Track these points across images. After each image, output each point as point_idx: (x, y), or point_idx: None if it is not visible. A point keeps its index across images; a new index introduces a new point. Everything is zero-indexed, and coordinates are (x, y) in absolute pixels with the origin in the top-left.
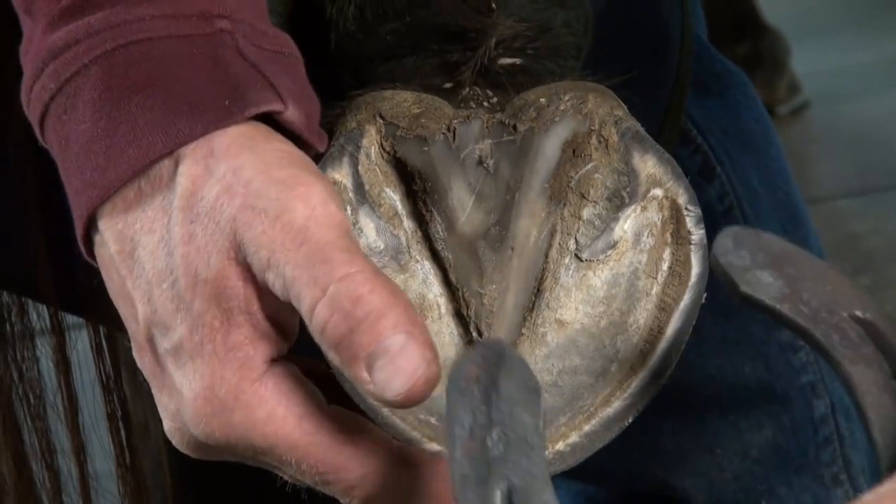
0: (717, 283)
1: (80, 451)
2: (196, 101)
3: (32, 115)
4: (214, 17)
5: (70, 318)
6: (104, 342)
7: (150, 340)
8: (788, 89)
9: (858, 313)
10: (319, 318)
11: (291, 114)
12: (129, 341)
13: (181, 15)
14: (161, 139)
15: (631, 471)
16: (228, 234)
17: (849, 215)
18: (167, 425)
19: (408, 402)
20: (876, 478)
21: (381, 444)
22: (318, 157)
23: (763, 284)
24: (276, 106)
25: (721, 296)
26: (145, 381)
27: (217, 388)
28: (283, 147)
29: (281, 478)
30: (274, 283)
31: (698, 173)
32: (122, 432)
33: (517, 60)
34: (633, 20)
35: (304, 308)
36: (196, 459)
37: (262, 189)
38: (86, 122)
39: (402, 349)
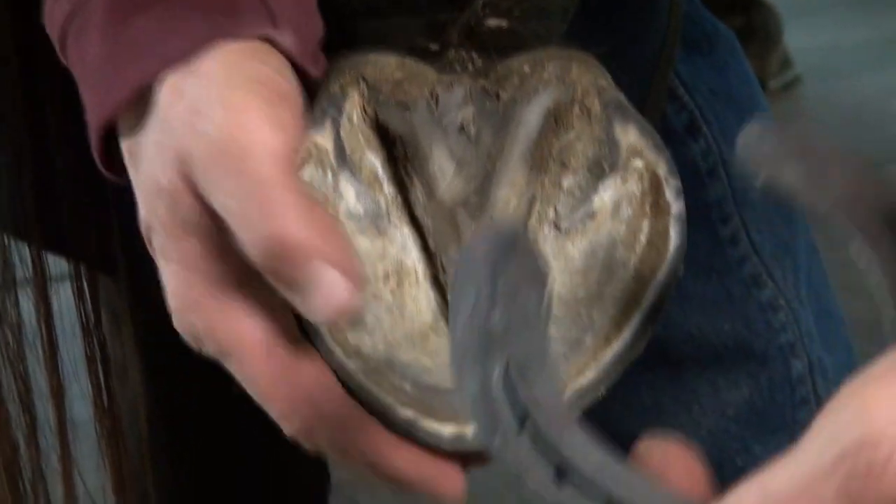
0: (693, 241)
1: (58, 394)
2: (190, 20)
3: (53, 37)
4: None
5: (54, 270)
6: (85, 284)
7: (149, 240)
8: (780, 64)
9: (884, 203)
10: (252, 250)
11: (286, 39)
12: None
13: None
14: (156, 58)
15: (608, 426)
16: (178, 150)
17: None
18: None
19: (341, 319)
20: None
21: (327, 382)
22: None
23: (788, 171)
24: (267, 30)
25: (702, 254)
26: (125, 324)
27: (182, 291)
28: (261, 70)
29: (255, 423)
30: (213, 206)
31: (684, 130)
32: (101, 374)
33: (503, 23)
34: None
35: (237, 237)
36: (171, 406)
37: (210, 111)
38: (95, 45)
39: (326, 276)
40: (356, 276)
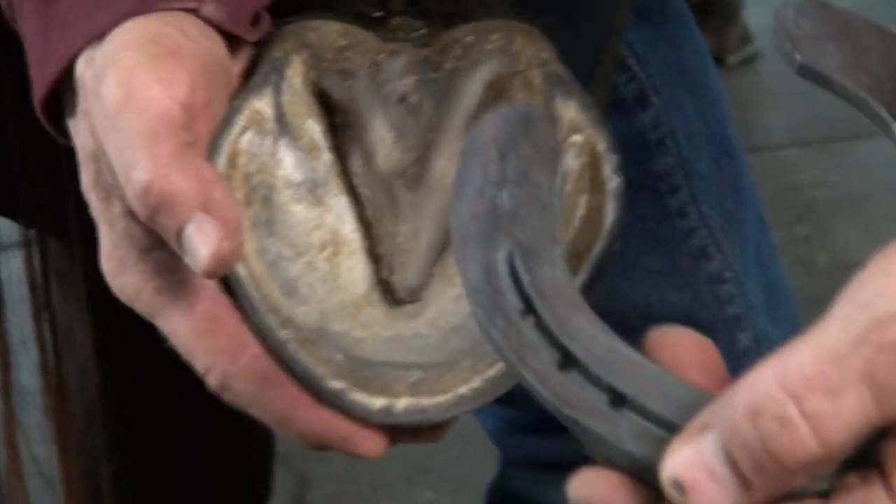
0: (641, 212)
1: (4, 360)
2: None
3: (5, 11)
4: None
5: (4, 238)
6: (36, 251)
7: (89, 204)
8: (739, 39)
9: None
10: (133, 202)
11: (209, 9)
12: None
13: None
14: (83, 33)
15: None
16: (88, 114)
17: (791, 165)
18: None
19: (215, 272)
20: None
21: (247, 338)
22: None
23: (825, 54)
24: (189, 3)
25: (650, 225)
26: (76, 290)
27: (111, 252)
28: (161, 31)
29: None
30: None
31: (634, 101)
32: (49, 342)
33: None
34: None
35: (125, 191)
36: (120, 373)
37: (105, 72)
38: (30, 20)
39: (200, 225)
40: (235, 226)
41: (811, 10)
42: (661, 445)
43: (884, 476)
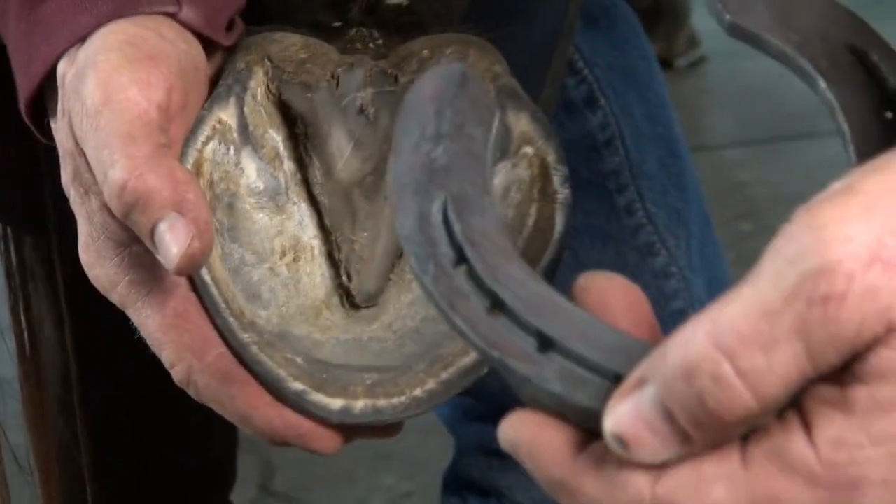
0: (591, 209)
1: None
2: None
3: None
4: None
5: None
6: (11, 242)
7: (69, 199)
8: (687, 43)
9: (852, 42)
10: (110, 200)
11: (186, 14)
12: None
13: None
14: (65, 35)
15: (504, 387)
16: (68, 113)
17: (735, 164)
18: None
19: (185, 270)
20: None
21: (211, 337)
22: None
23: (754, 14)
24: (169, 6)
25: (599, 221)
26: (45, 282)
27: (88, 245)
28: (139, 34)
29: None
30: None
31: (583, 103)
32: (25, 333)
33: (403, 1)
34: None
35: (103, 189)
36: (95, 359)
37: (83, 73)
38: (14, 24)
39: (173, 224)
40: (206, 226)
41: None
42: (585, 386)
43: (804, 418)
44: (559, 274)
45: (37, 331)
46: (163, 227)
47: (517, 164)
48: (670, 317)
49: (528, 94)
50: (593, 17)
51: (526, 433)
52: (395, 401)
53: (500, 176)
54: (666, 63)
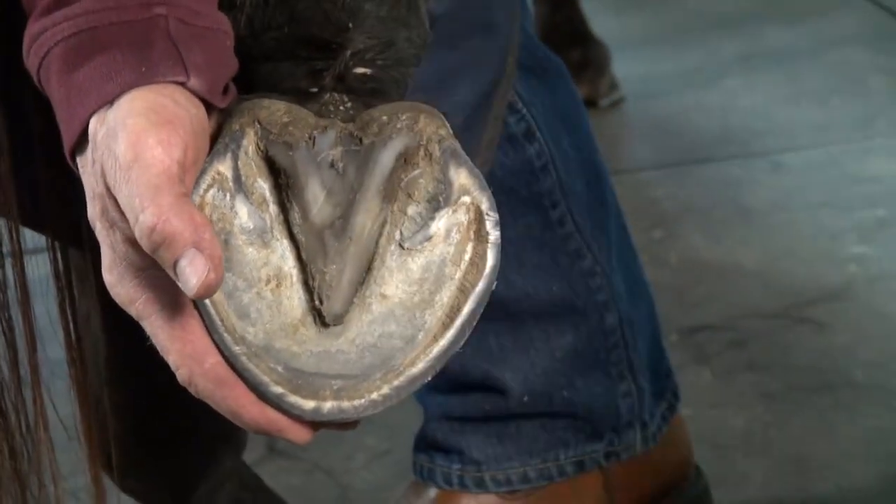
0: (530, 222)
1: (31, 336)
2: (121, 70)
3: (33, 77)
4: (153, 5)
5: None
6: (59, 255)
7: (94, 229)
8: (609, 87)
9: None
10: (141, 240)
11: (194, 83)
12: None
13: (123, 6)
14: (95, 98)
15: (462, 365)
16: (101, 164)
17: (649, 184)
18: None
19: (202, 296)
20: (650, 375)
21: (209, 348)
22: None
23: None
24: (180, 77)
25: (536, 232)
26: (89, 286)
27: (111, 268)
28: (158, 101)
29: None
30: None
31: (522, 136)
32: (70, 323)
33: (368, 70)
34: (468, 18)
35: (134, 230)
36: (123, 348)
37: (116, 133)
38: (55, 89)
39: (192, 259)
40: (219, 261)
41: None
42: None
43: None
44: (504, 273)
45: (80, 322)
46: (184, 262)
47: (456, 210)
48: (595, 306)
49: (474, 133)
50: (530, 67)
51: None
52: (355, 403)
53: (444, 220)
54: (591, 103)
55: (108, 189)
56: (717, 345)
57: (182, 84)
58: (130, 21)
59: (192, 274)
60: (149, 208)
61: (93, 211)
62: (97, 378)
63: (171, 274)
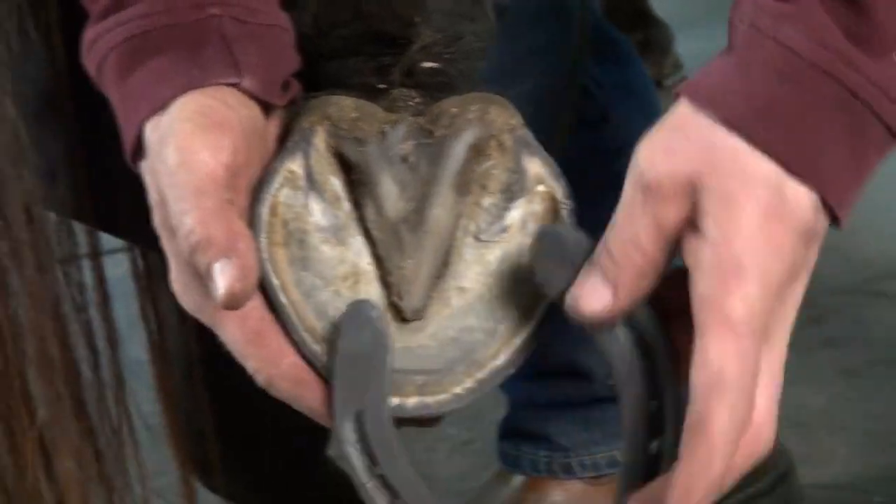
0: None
1: (111, 337)
2: (173, 74)
3: (96, 84)
4: (207, 5)
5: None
6: (138, 256)
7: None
8: (673, 67)
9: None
10: (181, 244)
11: (247, 83)
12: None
13: (175, 8)
14: (147, 104)
15: (546, 351)
16: (153, 171)
17: None
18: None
19: (228, 305)
20: None
21: (285, 349)
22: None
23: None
24: (232, 78)
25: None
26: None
27: (177, 278)
28: (208, 104)
29: None
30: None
31: (596, 119)
32: (152, 324)
33: (435, 64)
34: (539, 5)
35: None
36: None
37: (166, 138)
38: (112, 94)
39: (224, 266)
40: (250, 272)
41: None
42: None
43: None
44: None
45: (162, 323)
46: (216, 269)
47: (532, 200)
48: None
49: (546, 120)
50: (601, 49)
51: None
52: (439, 398)
53: (519, 210)
54: (656, 83)
55: (162, 196)
56: (795, 321)
57: (235, 85)
58: (183, 23)
59: (220, 281)
60: (190, 212)
61: (156, 219)
62: (182, 376)
63: (204, 279)
